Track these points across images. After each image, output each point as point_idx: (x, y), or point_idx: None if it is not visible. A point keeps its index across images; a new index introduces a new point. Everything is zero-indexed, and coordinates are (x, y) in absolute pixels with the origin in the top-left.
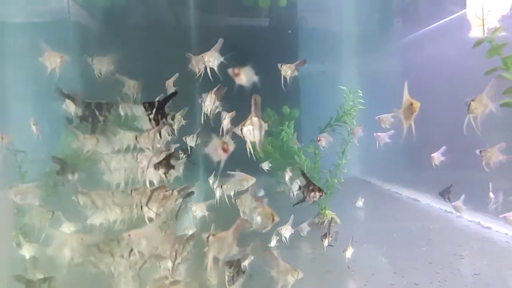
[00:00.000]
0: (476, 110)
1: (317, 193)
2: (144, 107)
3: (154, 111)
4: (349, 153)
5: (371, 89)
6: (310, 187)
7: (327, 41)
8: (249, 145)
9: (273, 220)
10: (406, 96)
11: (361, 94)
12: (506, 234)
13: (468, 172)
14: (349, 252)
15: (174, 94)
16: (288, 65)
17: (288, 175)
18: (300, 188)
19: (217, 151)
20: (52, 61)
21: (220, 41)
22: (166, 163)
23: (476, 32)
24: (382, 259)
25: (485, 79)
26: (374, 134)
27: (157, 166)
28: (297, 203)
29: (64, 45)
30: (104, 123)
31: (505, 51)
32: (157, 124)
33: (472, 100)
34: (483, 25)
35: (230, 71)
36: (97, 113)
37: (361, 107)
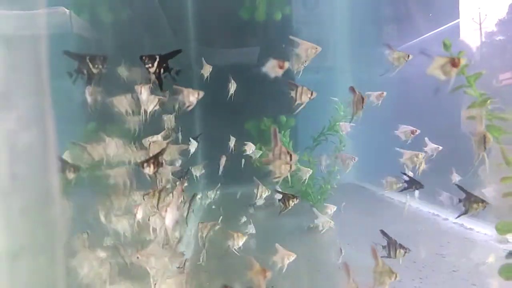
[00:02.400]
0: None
1: (294, 200)
2: (143, 60)
3: (155, 64)
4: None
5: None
6: (286, 197)
7: (322, 52)
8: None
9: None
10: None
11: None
12: (486, 234)
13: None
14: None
15: (178, 51)
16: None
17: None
18: (279, 200)
19: (274, 69)
20: None
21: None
22: (155, 161)
23: (472, 37)
24: (370, 260)
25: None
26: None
27: (145, 163)
28: (280, 212)
29: (67, 59)
30: (99, 76)
31: (503, 57)
32: (158, 78)
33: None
34: (480, 29)
35: (275, 62)
36: (91, 66)
37: (349, 117)
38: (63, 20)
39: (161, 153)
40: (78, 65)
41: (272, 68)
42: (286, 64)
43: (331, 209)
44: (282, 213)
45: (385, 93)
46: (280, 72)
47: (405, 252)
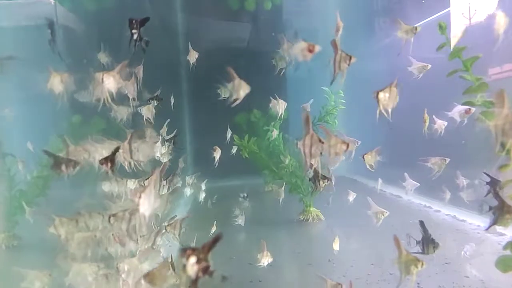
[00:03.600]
0: (385, 102)
1: (326, 181)
2: (132, 24)
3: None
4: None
5: (356, 89)
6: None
7: (313, 42)
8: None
9: None
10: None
11: (343, 95)
12: (478, 226)
13: (448, 168)
14: (336, 245)
15: (147, 19)
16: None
17: None
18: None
19: (303, 51)
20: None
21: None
22: (111, 159)
23: (460, 31)
24: (362, 252)
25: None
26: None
27: (103, 161)
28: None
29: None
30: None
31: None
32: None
33: (381, 90)
34: (470, 23)
35: (305, 45)
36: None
37: (342, 107)
38: (48, 10)
39: (116, 151)
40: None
41: (300, 51)
42: (317, 48)
43: (352, 196)
44: (314, 193)
45: (429, 66)
46: (309, 57)
47: (435, 248)
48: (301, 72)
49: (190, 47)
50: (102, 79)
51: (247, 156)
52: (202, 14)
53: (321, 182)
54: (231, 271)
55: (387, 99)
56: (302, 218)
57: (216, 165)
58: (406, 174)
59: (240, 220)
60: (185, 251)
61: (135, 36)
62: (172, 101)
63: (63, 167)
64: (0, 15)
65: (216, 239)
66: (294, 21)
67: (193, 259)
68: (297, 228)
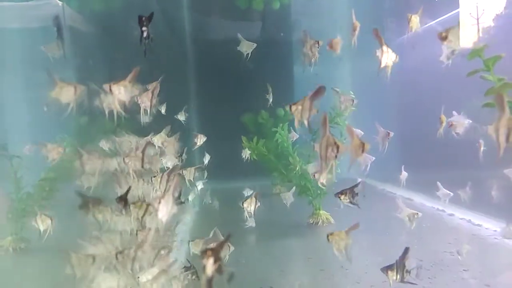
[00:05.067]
0: (299, 114)
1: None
2: (142, 21)
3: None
4: (343, 154)
5: (364, 90)
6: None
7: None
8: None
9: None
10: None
11: (353, 96)
12: (495, 231)
13: (460, 171)
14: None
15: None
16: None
17: None
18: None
19: (357, 151)
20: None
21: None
22: (124, 199)
23: (469, 32)
24: (375, 258)
25: (472, 79)
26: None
27: (118, 200)
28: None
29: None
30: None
31: (499, 51)
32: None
33: (294, 104)
34: (478, 24)
35: (357, 142)
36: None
37: (353, 108)
38: (56, 12)
39: (128, 192)
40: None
41: (353, 148)
42: (337, 43)
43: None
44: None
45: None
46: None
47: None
48: (307, 73)
49: (241, 37)
50: (111, 89)
51: (255, 158)
52: (210, 13)
53: (352, 198)
54: (241, 275)
55: (300, 111)
56: (311, 222)
57: (206, 161)
58: (438, 183)
59: (251, 223)
60: (205, 252)
61: (145, 34)
62: (184, 116)
63: (90, 207)
64: (8, 17)
65: (226, 239)
66: (303, 20)
67: (211, 260)
68: (307, 231)
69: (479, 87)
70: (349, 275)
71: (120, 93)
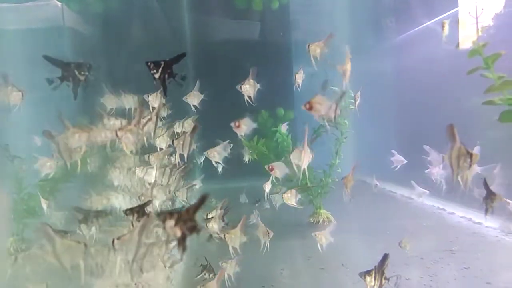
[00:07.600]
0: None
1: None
2: (148, 65)
3: (160, 70)
4: (344, 153)
5: (365, 89)
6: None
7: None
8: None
9: None
10: None
11: (352, 95)
12: (495, 229)
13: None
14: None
15: (183, 55)
16: (316, 43)
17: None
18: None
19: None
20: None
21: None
22: (140, 210)
23: (468, 31)
24: (375, 256)
25: (470, 78)
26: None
27: (130, 212)
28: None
29: (60, 51)
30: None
31: (498, 49)
32: (163, 84)
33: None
34: (477, 23)
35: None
36: (76, 73)
37: (352, 107)
38: (55, 13)
39: (146, 204)
40: (62, 73)
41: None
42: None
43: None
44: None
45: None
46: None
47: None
48: (306, 72)
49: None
50: (117, 135)
51: (256, 158)
52: (209, 13)
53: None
54: (242, 274)
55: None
56: (312, 221)
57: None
58: (413, 182)
59: (255, 220)
60: (164, 216)
61: (156, 76)
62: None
63: (89, 221)
64: (8, 18)
65: (202, 200)
66: (302, 21)
67: (171, 222)
68: (308, 231)
69: (478, 87)
70: (350, 274)
71: (127, 139)
